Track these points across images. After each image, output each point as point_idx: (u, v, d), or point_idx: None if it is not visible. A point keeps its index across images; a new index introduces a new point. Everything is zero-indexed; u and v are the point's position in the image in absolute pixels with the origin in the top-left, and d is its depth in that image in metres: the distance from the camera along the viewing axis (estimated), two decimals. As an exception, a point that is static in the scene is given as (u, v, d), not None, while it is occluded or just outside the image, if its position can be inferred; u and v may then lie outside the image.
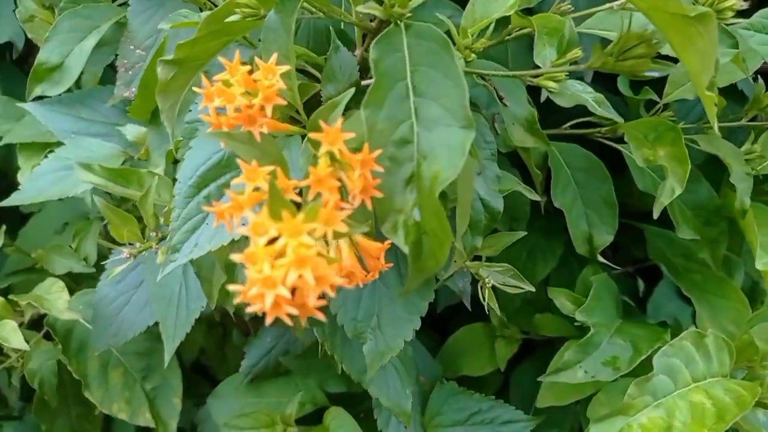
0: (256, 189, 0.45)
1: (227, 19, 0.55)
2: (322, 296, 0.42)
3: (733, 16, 0.58)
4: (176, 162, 0.64)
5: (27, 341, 1.05)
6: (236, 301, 0.39)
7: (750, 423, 0.70)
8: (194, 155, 0.60)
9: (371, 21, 0.60)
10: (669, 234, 0.91)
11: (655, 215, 0.66)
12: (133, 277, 0.93)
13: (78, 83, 0.93)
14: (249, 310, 0.40)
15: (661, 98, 0.81)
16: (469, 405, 0.88)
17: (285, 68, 0.49)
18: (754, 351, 0.70)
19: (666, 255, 0.94)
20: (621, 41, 0.48)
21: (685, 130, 0.68)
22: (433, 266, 0.49)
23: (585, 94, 0.57)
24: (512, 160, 0.87)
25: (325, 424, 0.92)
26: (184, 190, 0.60)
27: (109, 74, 0.94)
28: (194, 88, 0.49)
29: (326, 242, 0.45)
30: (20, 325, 0.98)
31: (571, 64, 0.54)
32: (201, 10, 0.71)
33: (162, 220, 0.68)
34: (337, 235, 0.44)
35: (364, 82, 0.59)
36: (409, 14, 0.52)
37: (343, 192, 0.48)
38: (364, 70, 0.63)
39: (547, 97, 0.69)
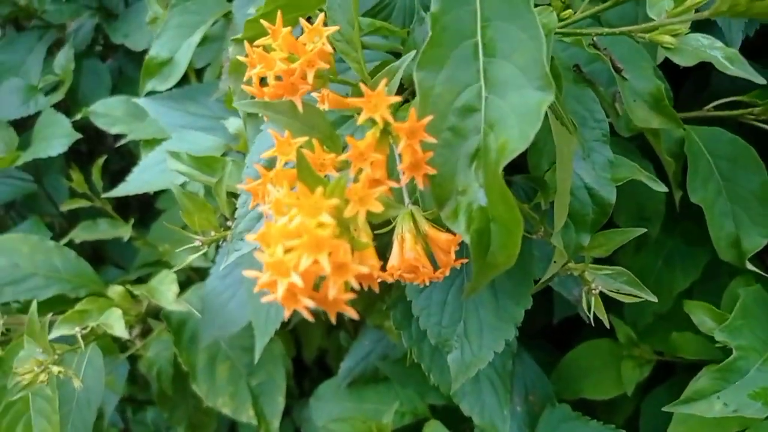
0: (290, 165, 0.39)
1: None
2: (359, 289, 0.36)
3: None
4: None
5: (148, 331, 1.11)
6: (255, 289, 0.34)
7: None
8: (263, 138, 0.55)
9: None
10: None
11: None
12: (238, 272, 0.92)
13: (186, 79, 0.94)
14: (264, 300, 0.34)
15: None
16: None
17: (334, 28, 0.43)
18: None
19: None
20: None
21: None
22: (503, 261, 0.40)
23: (712, 50, 0.45)
24: (642, 149, 0.74)
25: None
26: (250, 175, 0.55)
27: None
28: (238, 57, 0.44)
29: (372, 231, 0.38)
30: (137, 315, 1.01)
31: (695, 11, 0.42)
32: None
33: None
34: (364, 226, 0.37)
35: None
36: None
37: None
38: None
39: (684, 73, 0.56)
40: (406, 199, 0.45)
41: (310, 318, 0.34)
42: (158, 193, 1.16)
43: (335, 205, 0.34)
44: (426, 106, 0.39)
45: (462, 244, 0.46)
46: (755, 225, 0.66)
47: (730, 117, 0.68)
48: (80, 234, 1.09)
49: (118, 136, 1.06)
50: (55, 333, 0.82)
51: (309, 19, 0.44)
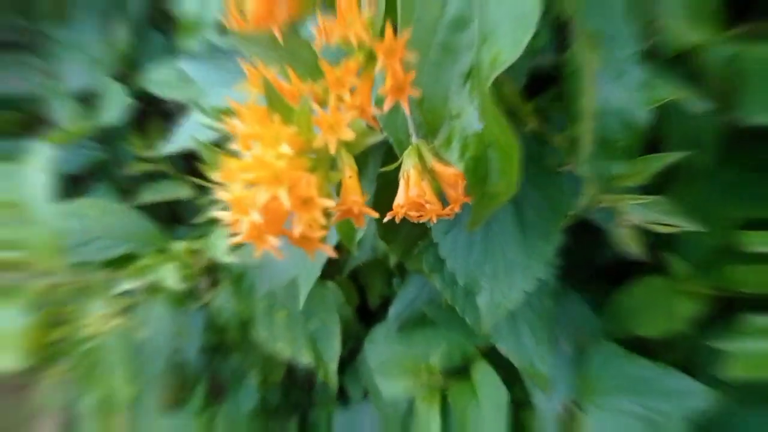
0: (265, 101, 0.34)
1: None
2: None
3: None
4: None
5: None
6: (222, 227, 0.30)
7: None
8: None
9: None
10: None
11: None
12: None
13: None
14: (232, 241, 0.30)
15: None
16: (636, 371, 0.69)
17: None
18: None
19: None
20: None
21: None
22: (505, 189, 0.34)
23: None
24: (685, 71, 0.64)
25: (471, 377, 0.80)
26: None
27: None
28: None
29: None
30: (199, 268, 1.01)
31: None
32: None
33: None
34: (347, 158, 0.32)
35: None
36: None
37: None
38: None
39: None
40: (412, 132, 0.40)
41: (278, 256, 0.30)
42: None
43: (300, 134, 0.29)
44: (408, 17, 0.33)
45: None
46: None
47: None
48: (146, 196, 1.10)
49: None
50: (120, 288, 0.83)
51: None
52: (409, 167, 0.43)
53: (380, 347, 0.91)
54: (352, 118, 0.30)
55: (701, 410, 0.66)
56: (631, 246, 0.48)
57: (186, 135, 0.80)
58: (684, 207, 0.51)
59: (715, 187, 0.74)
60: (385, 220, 0.44)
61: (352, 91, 0.33)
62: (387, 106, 0.33)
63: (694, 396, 0.65)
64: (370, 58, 0.35)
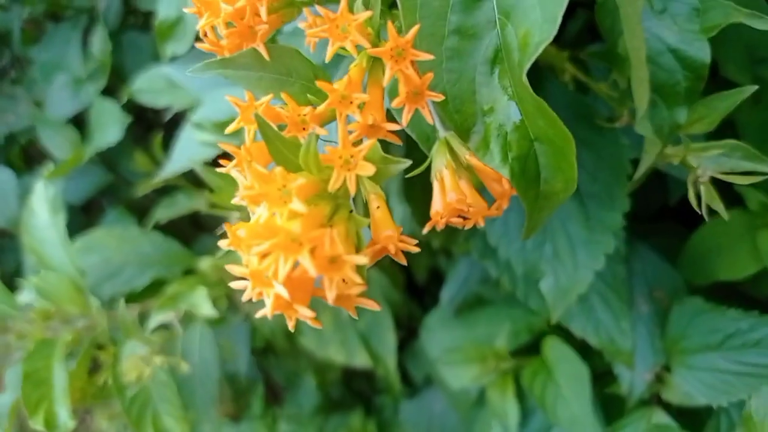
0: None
1: None
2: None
3: None
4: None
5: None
6: (244, 298, 0.27)
7: None
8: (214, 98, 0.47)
9: None
10: None
11: None
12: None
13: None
14: (258, 315, 0.27)
15: None
16: (724, 325, 0.64)
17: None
18: None
19: None
20: None
21: None
22: (562, 188, 0.31)
23: None
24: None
25: (542, 354, 0.77)
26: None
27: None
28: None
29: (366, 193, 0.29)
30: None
31: None
32: None
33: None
34: (371, 186, 0.29)
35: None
36: None
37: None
38: None
39: None
40: (439, 126, 0.36)
41: (317, 325, 0.27)
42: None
43: (310, 179, 0.26)
44: (412, 10, 0.29)
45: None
46: None
47: None
48: (161, 213, 1.09)
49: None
50: (154, 322, 0.82)
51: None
52: (440, 167, 0.39)
53: (438, 334, 0.89)
54: (368, 147, 0.27)
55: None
56: (713, 203, 0.44)
57: (184, 153, 0.77)
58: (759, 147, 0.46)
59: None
60: (425, 231, 0.40)
61: (360, 107, 0.29)
62: (405, 119, 0.29)
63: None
64: (375, 62, 0.31)
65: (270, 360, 1.48)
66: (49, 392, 0.73)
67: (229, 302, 1.02)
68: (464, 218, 0.39)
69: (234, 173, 0.28)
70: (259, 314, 0.27)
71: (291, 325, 0.27)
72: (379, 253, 0.30)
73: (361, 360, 0.95)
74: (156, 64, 1.12)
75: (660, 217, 0.85)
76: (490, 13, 0.30)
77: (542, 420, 0.76)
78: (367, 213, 0.31)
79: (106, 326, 0.88)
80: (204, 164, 0.62)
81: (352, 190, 0.27)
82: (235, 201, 0.28)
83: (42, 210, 0.90)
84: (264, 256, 0.25)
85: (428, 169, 0.39)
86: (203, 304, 0.79)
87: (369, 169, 0.26)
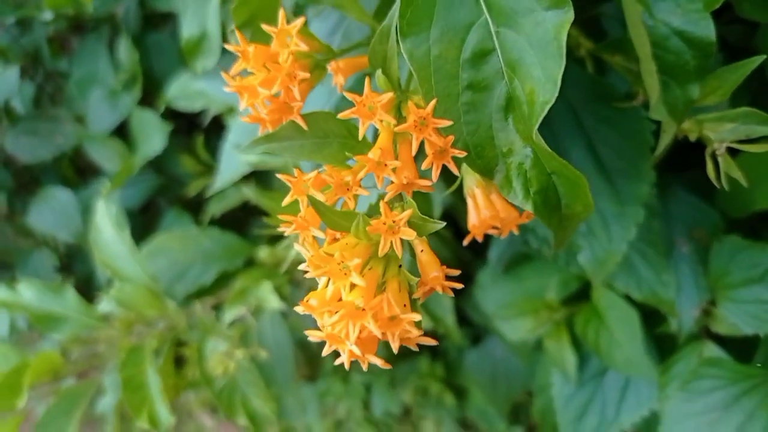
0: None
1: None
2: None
3: None
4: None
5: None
6: (324, 352, 0.33)
7: None
8: (237, 125, 0.52)
9: None
10: None
11: None
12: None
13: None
14: (337, 362, 0.33)
15: None
16: (764, 259, 0.67)
17: (301, 19, 0.37)
18: None
19: None
20: None
21: None
22: (582, 210, 0.35)
23: None
24: None
25: (592, 302, 0.81)
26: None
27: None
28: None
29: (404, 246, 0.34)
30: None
31: None
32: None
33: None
34: (418, 242, 0.33)
35: None
36: None
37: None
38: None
39: None
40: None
41: (387, 367, 0.32)
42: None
43: (362, 247, 0.31)
44: (427, 78, 0.33)
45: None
46: None
47: None
48: (215, 207, 1.16)
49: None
50: (228, 318, 0.90)
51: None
52: (472, 185, 0.44)
53: (491, 291, 0.94)
54: (407, 216, 0.31)
55: None
56: (731, 172, 0.47)
57: (230, 167, 0.82)
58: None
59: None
60: (465, 243, 0.45)
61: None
62: (435, 175, 0.34)
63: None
64: (401, 123, 0.35)
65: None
66: (148, 395, 0.83)
67: (291, 279, 1.09)
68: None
69: (297, 247, 0.33)
70: (337, 362, 0.32)
71: (365, 367, 0.32)
72: (428, 291, 0.35)
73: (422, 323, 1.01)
74: (183, 64, 1.17)
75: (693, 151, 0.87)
76: (497, 65, 0.33)
77: (598, 364, 0.82)
78: (413, 253, 0.36)
79: (185, 324, 0.97)
80: (254, 188, 0.67)
81: (399, 252, 0.32)
82: (302, 268, 0.33)
83: (107, 227, 0.97)
84: (336, 322, 0.30)
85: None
86: (270, 298, 0.86)
87: (410, 234, 0.31)
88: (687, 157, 0.85)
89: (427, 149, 0.33)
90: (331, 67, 0.43)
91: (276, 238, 1.14)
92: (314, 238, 0.34)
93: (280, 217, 0.36)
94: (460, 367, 1.38)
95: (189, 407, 1.77)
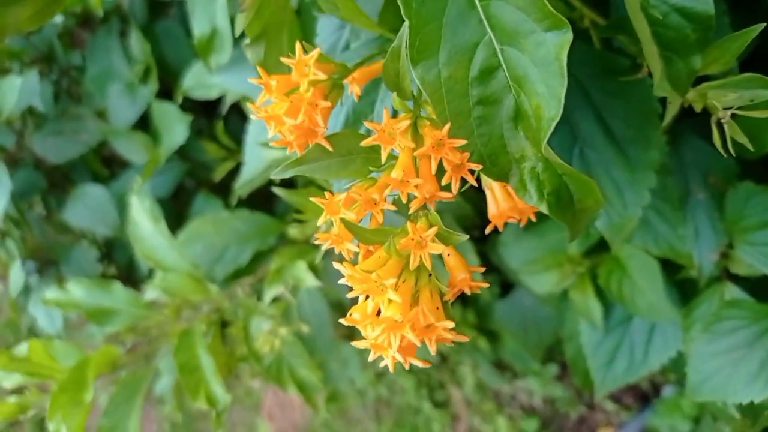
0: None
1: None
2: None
3: None
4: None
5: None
6: (371, 358, 0.36)
7: None
8: (255, 124, 0.54)
9: None
10: None
11: None
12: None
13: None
14: (382, 365, 0.36)
15: None
16: (778, 202, 0.70)
17: (316, 50, 0.39)
18: None
19: None
20: None
21: None
22: (594, 204, 0.38)
23: None
24: None
25: (613, 253, 0.84)
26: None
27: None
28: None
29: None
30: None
31: None
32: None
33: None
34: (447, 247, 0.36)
35: None
36: None
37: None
38: None
39: None
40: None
41: (426, 365, 0.36)
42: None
43: (395, 263, 0.34)
44: (440, 100, 0.36)
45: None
46: None
47: None
48: (242, 189, 1.19)
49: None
50: (268, 297, 0.95)
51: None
52: (489, 180, 0.46)
53: (514, 249, 0.98)
54: (433, 233, 0.34)
55: None
56: (737, 137, 0.48)
57: (254, 160, 0.85)
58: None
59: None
60: (487, 232, 0.48)
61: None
62: (455, 189, 0.36)
63: None
64: (420, 142, 0.37)
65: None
66: (203, 376, 0.88)
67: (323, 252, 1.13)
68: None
69: (336, 265, 0.37)
70: (382, 365, 0.36)
71: (407, 367, 0.36)
72: (457, 292, 0.38)
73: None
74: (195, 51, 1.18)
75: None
76: (504, 79, 0.35)
77: (623, 312, 0.85)
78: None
79: (228, 305, 1.03)
80: (281, 187, 0.71)
81: (428, 265, 0.35)
82: (342, 283, 0.36)
83: (144, 221, 1.02)
84: (379, 333, 0.34)
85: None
86: (306, 277, 0.90)
87: (438, 249, 0.34)
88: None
89: (446, 165, 0.36)
90: (348, 78, 0.46)
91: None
92: (349, 252, 0.38)
93: (317, 235, 0.39)
94: (492, 313, 1.42)
95: (238, 371, 1.86)
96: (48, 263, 1.34)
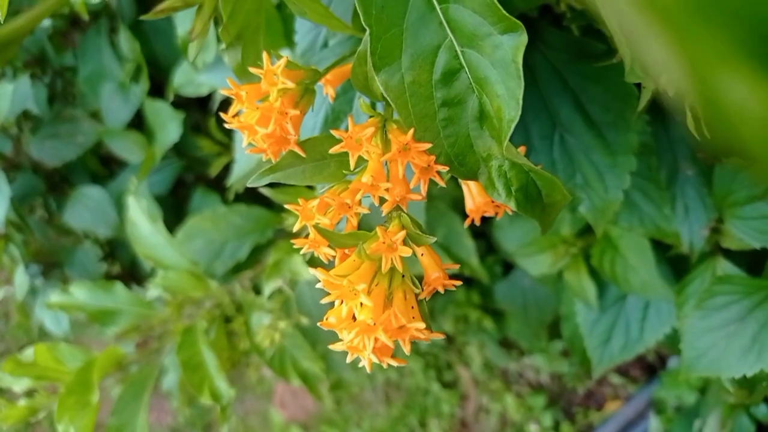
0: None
1: None
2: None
3: None
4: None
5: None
6: (348, 359, 0.37)
7: None
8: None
9: None
10: None
11: None
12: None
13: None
14: (360, 365, 0.38)
15: None
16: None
17: (284, 59, 0.40)
18: None
19: None
20: None
21: None
22: (561, 198, 0.39)
23: None
24: None
25: (605, 233, 0.85)
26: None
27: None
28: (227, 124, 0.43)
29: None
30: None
31: None
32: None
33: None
34: (418, 249, 0.37)
35: None
36: None
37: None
38: None
39: None
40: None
41: (401, 363, 0.37)
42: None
43: (368, 267, 0.35)
44: (404, 105, 0.36)
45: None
46: None
47: None
48: (238, 184, 1.20)
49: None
50: (268, 291, 0.96)
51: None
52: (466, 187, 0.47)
53: (509, 231, 0.99)
54: (402, 236, 0.35)
55: None
56: (693, 127, 0.49)
57: (244, 160, 0.86)
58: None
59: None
60: (466, 225, 0.49)
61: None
62: (424, 190, 0.37)
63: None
64: (388, 145, 0.38)
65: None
66: (206, 372, 0.90)
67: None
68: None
69: (312, 271, 0.38)
70: (360, 365, 0.37)
71: (385, 366, 0.37)
72: (432, 290, 0.39)
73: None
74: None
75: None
76: (467, 80, 0.36)
77: (617, 291, 0.86)
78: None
79: (229, 300, 1.04)
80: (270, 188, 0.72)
81: (400, 268, 0.36)
82: (318, 287, 0.37)
83: (142, 221, 1.03)
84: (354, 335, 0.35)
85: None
86: (302, 270, 0.91)
87: (407, 252, 0.35)
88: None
89: (414, 168, 0.36)
90: (321, 81, 0.46)
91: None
92: (327, 255, 0.39)
93: (293, 242, 0.40)
94: (495, 296, 1.44)
95: (249, 360, 1.88)
96: (52, 265, 1.36)
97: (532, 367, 1.79)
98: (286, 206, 0.39)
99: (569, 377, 1.73)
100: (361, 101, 0.39)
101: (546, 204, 0.39)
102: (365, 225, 0.42)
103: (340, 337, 0.36)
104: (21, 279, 1.23)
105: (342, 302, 0.36)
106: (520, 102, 0.33)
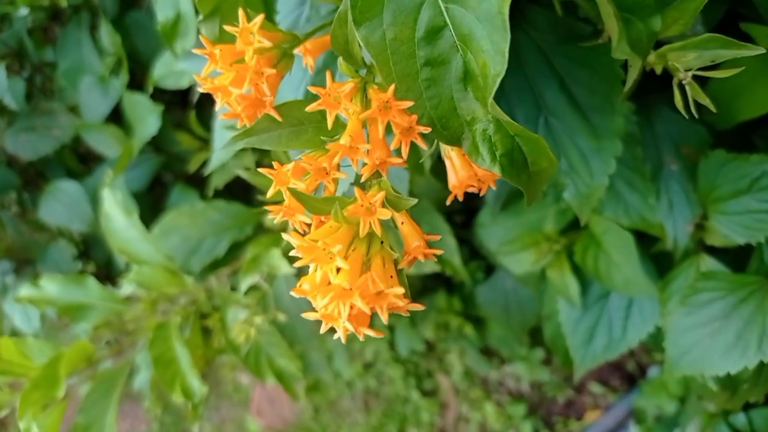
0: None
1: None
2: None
3: None
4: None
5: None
6: (322, 330, 0.35)
7: None
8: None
9: None
10: None
11: None
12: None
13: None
14: (335, 337, 0.36)
15: None
16: (749, 170, 0.69)
17: (260, 16, 0.38)
18: None
19: None
20: None
21: None
22: (548, 165, 0.37)
23: None
24: None
25: (589, 230, 0.84)
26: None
27: None
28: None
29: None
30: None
31: None
32: None
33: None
34: (398, 218, 0.35)
35: None
36: None
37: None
38: None
39: None
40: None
41: (380, 335, 0.35)
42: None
43: (345, 231, 0.33)
44: (386, 62, 0.34)
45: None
46: None
47: None
48: (217, 179, 1.18)
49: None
50: (244, 286, 0.94)
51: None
52: (447, 148, 0.45)
53: (492, 229, 0.97)
54: (381, 198, 0.33)
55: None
56: (700, 99, 0.48)
57: (222, 150, 0.84)
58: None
59: None
60: (448, 203, 0.47)
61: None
62: (405, 153, 0.35)
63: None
64: (367, 106, 0.36)
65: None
66: (178, 369, 0.87)
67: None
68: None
69: (285, 237, 0.35)
70: (335, 337, 0.35)
71: (362, 338, 0.35)
72: (412, 260, 0.37)
73: (428, 268, 1.04)
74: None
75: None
76: (451, 39, 0.34)
77: (600, 288, 0.85)
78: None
79: (204, 297, 1.01)
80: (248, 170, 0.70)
81: (378, 232, 0.34)
82: (293, 254, 0.35)
83: (117, 214, 1.00)
84: (328, 301, 0.33)
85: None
86: (280, 264, 0.89)
87: (386, 214, 0.33)
88: (669, 75, 0.86)
89: (394, 129, 0.35)
90: (300, 49, 0.44)
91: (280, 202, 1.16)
92: (302, 224, 0.37)
93: (267, 208, 0.38)
94: (475, 295, 1.42)
95: (225, 368, 1.85)
96: (24, 262, 1.32)
97: (512, 375, 1.77)
98: (260, 170, 0.37)
99: (550, 386, 1.72)
100: (339, 60, 0.37)
101: (532, 172, 0.37)
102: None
103: (313, 305, 0.34)
104: (-9, 275, 1.19)
105: (317, 268, 0.34)
106: (506, 56, 0.31)
